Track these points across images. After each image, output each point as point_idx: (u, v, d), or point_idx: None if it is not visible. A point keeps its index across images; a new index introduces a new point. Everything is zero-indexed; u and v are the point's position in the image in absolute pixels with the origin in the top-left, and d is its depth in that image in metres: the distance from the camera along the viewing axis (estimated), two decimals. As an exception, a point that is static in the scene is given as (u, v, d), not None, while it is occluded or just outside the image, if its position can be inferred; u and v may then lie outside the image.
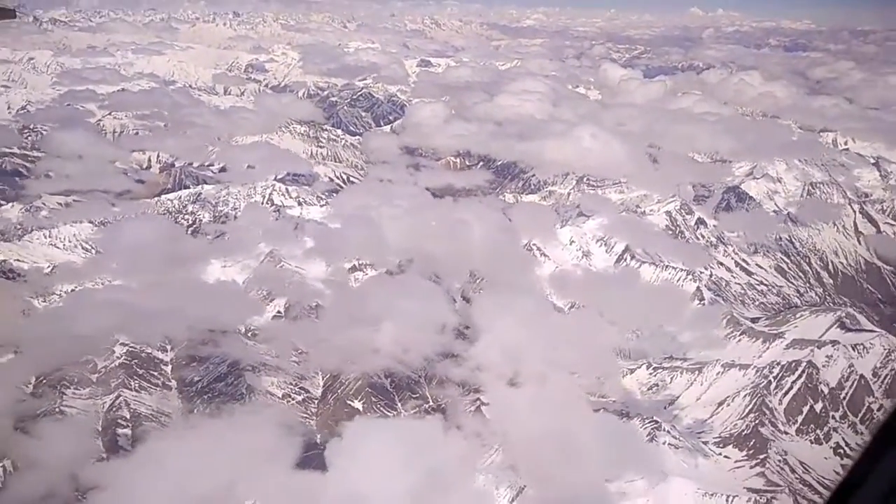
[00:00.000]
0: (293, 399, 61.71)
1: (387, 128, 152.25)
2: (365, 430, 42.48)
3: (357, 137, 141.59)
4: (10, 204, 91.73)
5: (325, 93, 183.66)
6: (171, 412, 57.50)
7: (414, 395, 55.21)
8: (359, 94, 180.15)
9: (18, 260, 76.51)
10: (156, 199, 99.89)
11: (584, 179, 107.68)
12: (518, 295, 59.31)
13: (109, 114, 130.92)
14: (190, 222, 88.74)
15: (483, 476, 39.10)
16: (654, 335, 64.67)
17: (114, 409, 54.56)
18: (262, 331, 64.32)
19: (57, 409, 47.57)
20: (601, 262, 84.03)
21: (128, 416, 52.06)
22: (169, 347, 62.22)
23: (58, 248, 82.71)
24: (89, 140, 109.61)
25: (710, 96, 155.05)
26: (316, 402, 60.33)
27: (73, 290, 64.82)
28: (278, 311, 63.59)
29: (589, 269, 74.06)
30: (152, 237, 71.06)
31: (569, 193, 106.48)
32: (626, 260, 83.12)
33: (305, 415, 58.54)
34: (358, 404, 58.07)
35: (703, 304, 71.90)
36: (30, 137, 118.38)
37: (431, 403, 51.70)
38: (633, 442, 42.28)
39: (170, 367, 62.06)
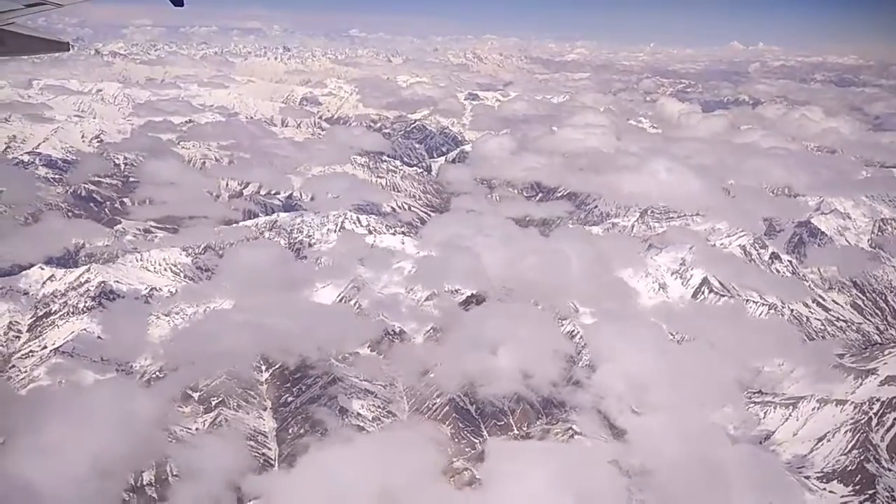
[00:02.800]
0: (382, 422, 63.61)
1: (440, 159, 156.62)
2: (507, 452, 43.71)
3: (414, 168, 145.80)
4: (113, 229, 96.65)
5: (378, 125, 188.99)
6: (266, 432, 59.64)
7: (544, 419, 55.62)
8: (412, 126, 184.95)
9: (117, 282, 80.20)
10: (235, 225, 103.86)
11: (649, 212, 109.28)
12: (631, 324, 60.44)
13: (191, 144, 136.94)
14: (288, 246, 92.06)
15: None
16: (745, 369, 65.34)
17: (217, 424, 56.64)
18: (362, 354, 66.48)
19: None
20: (677, 295, 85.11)
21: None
22: (263, 367, 64.56)
23: (149, 271, 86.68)
24: (178, 168, 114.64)
25: (773, 131, 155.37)
26: (402, 425, 61.86)
27: (195, 312, 68.01)
28: (389, 333, 65.51)
29: (693, 301, 74.81)
30: (262, 260, 74.00)
31: (632, 226, 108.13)
32: (703, 293, 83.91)
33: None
34: (446, 429, 59.33)
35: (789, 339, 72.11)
36: (120, 166, 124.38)
37: (562, 428, 52.54)
38: (774, 473, 42.76)
39: (266, 387, 64.51)
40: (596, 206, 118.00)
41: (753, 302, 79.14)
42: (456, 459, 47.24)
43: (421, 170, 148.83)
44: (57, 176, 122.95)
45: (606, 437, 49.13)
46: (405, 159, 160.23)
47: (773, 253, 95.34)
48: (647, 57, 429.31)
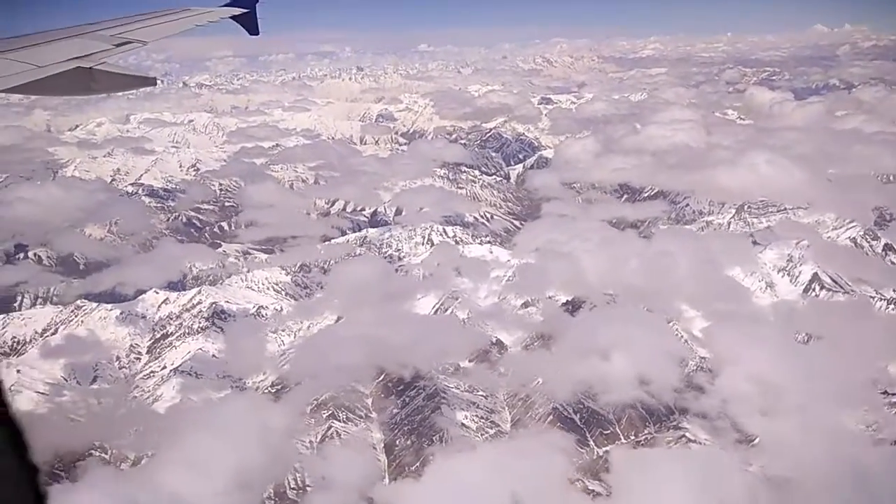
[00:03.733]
0: (486, 433, 63.32)
1: (518, 166, 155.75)
2: (634, 460, 42.65)
3: (493, 177, 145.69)
4: (220, 249, 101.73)
5: (454, 136, 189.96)
6: (374, 444, 60.45)
7: (652, 426, 54.42)
8: (488, 135, 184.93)
9: (227, 302, 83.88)
10: (327, 243, 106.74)
11: (746, 207, 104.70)
12: (749, 325, 58.02)
13: (282, 167, 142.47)
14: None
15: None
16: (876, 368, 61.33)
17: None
18: (465, 364, 66.64)
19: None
20: (786, 292, 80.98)
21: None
22: (369, 380, 65.46)
23: (253, 290, 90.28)
24: (274, 191, 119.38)
25: (875, 115, 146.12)
26: (506, 436, 61.48)
27: (307, 327, 70.52)
28: (492, 343, 65.54)
29: (804, 298, 71.15)
30: (364, 275, 75.79)
31: (728, 223, 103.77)
32: (814, 289, 79.50)
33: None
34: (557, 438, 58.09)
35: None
36: (218, 192, 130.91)
37: (674, 436, 51.03)
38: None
39: (371, 399, 65.56)
40: (688, 205, 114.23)
41: (870, 297, 74.79)
42: (577, 468, 46.44)
43: (500, 178, 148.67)
44: (159, 205, 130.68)
45: (724, 443, 47.23)
46: (483, 168, 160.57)
47: (886, 244, 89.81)
48: (727, 47, 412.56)
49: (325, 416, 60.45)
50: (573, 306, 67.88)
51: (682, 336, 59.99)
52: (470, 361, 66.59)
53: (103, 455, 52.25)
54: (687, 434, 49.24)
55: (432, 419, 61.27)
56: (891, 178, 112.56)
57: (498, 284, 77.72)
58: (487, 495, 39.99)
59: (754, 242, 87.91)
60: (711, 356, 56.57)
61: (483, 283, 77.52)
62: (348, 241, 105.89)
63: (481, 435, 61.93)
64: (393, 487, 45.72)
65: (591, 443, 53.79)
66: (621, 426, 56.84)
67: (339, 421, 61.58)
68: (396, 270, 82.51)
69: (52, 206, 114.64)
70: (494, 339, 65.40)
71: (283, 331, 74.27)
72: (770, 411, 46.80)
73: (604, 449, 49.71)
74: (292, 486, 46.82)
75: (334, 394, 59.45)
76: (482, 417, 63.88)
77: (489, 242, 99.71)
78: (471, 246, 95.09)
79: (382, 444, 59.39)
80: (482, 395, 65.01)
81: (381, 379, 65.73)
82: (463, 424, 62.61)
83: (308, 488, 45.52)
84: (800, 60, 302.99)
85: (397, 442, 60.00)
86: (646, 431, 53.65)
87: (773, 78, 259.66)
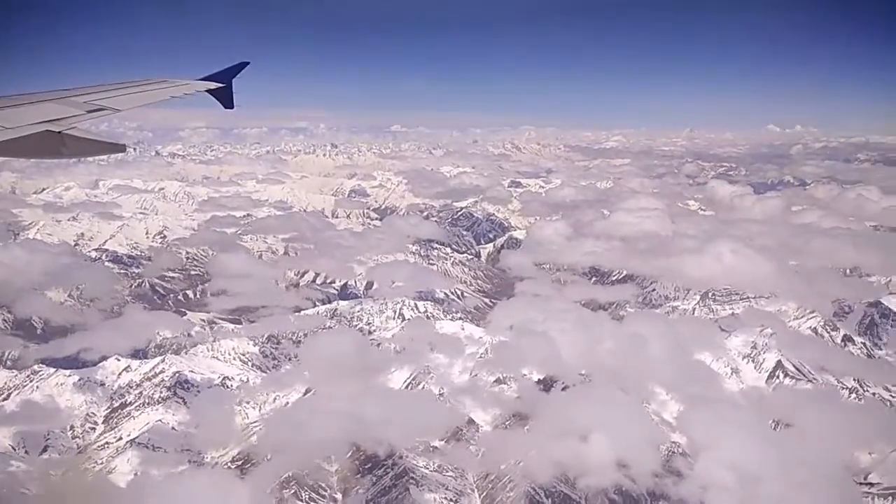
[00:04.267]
0: None
1: (489, 245, 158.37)
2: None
3: (464, 255, 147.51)
4: (186, 317, 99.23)
5: (425, 213, 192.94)
6: None
7: None
8: (459, 213, 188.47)
9: (191, 371, 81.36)
10: (298, 314, 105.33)
11: (710, 295, 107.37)
12: (723, 410, 58.40)
13: (253, 237, 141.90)
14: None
15: None
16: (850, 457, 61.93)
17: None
18: (437, 441, 65.04)
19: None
20: (751, 379, 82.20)
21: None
22: (333, 457, 62.70)
23: (219, 360, 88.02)
24: (245, 261, 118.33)
25: (830, 211, 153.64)
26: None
27: (275, 399, 68.44)
28: (466, 421, 64.40)
29: (782, 385, 72.31)
30: (339, 347, 74.61)
31: (693, 309, 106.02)
32: (778, 377, 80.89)
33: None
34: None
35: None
36: (187, 260, 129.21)
37: None
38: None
39: (337, 477, 63.05)
40: (654, 290, 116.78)
41: (832, 385, 76.30)
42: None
43: (471, 256, 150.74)
44: (123, 271, 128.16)
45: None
46: (454, 246, 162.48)
47: (845, 335, 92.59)
48: (686, 142, 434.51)
49: (288, 494, 58.17)
50: (548, 385, 67.67)
51: (657, 419, 59.95)
52: (442, 440, 64.90)
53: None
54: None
55: (400, 501, 59.35)
56: (848, 271, 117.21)
57: (472, 361, 77.11)
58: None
59: (721, 329, 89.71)
60: (687, 441, 56.46)
61: (457, 359, 76.92)
62: (318, 312, 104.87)
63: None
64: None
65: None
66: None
67: (302, 501, 59.30)
68: (370, 344, 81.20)
69: (15, 267, 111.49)
70: (468, 417, 64.33)
71: (249, 403, 71.91)
72: (752, 499, 46.47)
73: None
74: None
75: (300, 470, 57.38)
76: (451, 500, 62.10)
77: (461, 319, 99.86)
78: (443, 322, 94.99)
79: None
80: (451, 476, 63.06)
81: (349, 455, 63.36)
82: None
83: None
84: (755, 157, 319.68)
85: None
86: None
87: (731, 173, 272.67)
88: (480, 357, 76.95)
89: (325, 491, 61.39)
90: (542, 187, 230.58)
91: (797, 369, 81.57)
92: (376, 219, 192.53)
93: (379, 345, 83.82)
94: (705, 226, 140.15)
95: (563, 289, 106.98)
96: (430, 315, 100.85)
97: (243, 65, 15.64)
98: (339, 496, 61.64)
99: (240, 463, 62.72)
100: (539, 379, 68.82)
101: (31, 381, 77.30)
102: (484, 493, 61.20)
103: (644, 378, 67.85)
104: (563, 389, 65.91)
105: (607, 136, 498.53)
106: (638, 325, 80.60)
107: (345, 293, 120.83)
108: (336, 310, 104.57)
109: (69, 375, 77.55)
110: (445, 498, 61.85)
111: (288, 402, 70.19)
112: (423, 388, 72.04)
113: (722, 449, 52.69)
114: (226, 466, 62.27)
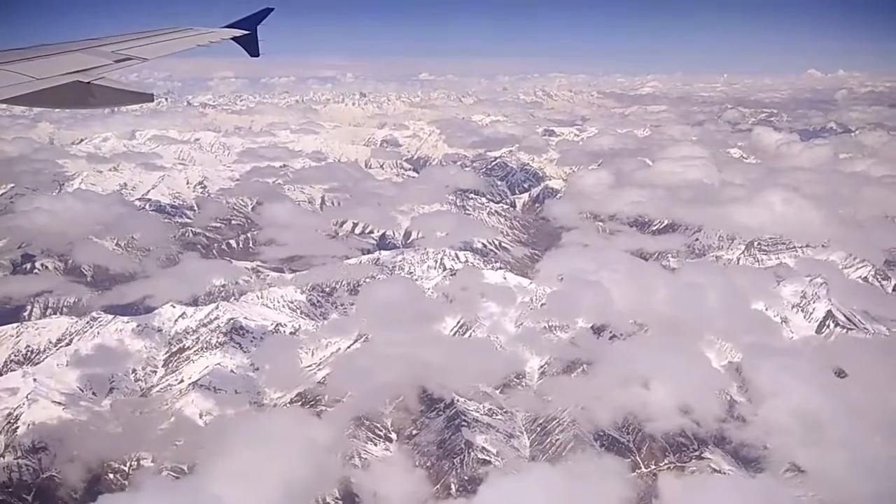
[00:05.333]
0: (507, 456, 62.78)
1: (524, 196, 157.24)
2: (687, 486, 42.56)
3: (500, 205, 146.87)
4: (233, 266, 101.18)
5: (458, 163, 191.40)
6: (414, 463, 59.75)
7: (671, 456, 54.03)
8: (493, 163, 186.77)
9: (245, 318, 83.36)
10: (341, 262, 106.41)
11: (755, 244, 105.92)
12: (784, 358, 58.47)
13: (296, 187, 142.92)
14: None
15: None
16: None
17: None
18: (490, 388, 66.18)
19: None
20: (802, 328, 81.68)
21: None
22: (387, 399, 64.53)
23: (269, 307, 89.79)
24: (293, 211, 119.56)
25: (880, 158, 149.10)
26: (526, 461, 60.72)
27: (330, 346, 70.29)
28: (535, 368, 65.47)
29: (833, 333, 71.80)
30: (393, 296, 75.74)
31: (738, 259, 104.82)
32: (828, 326, 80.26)
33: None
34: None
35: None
36: (234, 210, 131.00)
37: (698, 465, 50.79)
38: None
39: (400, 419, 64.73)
40: (697, 240, 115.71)
41: (884, 335, 75.57)
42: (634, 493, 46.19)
43: (507, 206, 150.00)
44: (167, 220, 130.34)
45: (774, 473, 47.31)
46: (489, 196, 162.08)
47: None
48: (724, 87, 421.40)
49: (359, 434, 60.22)
50: (601, 333, 68.09)
51: (717, 367, 60.29)
52: (498, 387, 66.32)
53: (148, 465, 51.57)
54: (712, 465, 49.30)
55: (452, 442, 61.00)
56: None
57: (524, 309, 77.86)
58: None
59: (776, 278, 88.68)
60: (749, 388, 56.80)
61: (509, 307, 77.62)
62: (360, 262, 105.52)
63: (500, 459, 61.74)
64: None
65: (642, 466, 53.36)
66: (641, 455, 56.58)
67: (360, 440, 61.34)
68: (423, 292, 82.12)
69: (68, 217, 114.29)
70: (524, 363, 65.39)
71: (306, 348, 73.91)
72: (819, 444, 46.94)
73: (660, 475, 49.43)
74: (347, 499, 46.26)
75: (365, 412, 58.92)
76: (501, 441, 63.57)
77: (500, 269, 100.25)
78: (486, 272, 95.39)
79: (425, 464, 58.84)
80: (500, 419, 64.82)
81: (403, 399, 65.18)
82: (483, 448, 62.35)
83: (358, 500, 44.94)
84: (798, 103, 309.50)
85: (438, 463, 59.42)
86: (665, 461, 53.40)
87: (772, 119, 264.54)
88: (532, 306, 77.59)
89: (381, 431, 63.31)
90: (578, 136, 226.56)
91: (848, 319, 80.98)
92: (410, 169, 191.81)
93: (428, 293, 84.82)
94: (752, 174, 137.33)
95: (611, 238, 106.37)
96: (471, 265, 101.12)
97: (267, 11, 15.40)
98: (393, 436, 63.74)
99: (299, 404, 64.92)
100: (593, 327, 69.20)
101: (90, 328, 79.96)
102: (533, 436, 62.84)
103: (700, 327, 67.85)
104: (615, 338, 66.35)
105: (641, 81, 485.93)
106: (691, 275, 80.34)
107: (384, 243, 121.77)
108: (378, 259, 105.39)
109: (128, 322, 79.89)
110: (495, 439, 63.77)
111: (340, 349, 71.84)
112: (477, 335, 73.18)
113: (784, 395, 52.97)
114: (285, 406, 64.58)
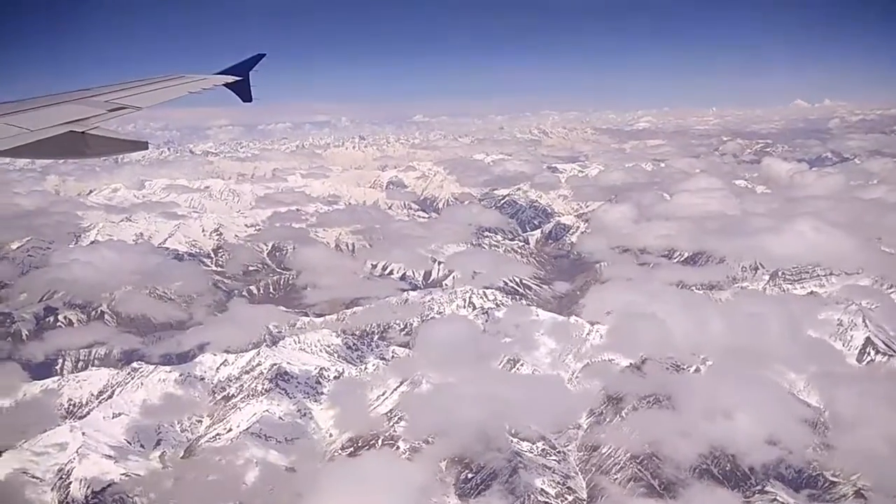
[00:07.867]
0: (565, 498, 62.57)
1: (536, 232, 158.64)
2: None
3: (514, 242, 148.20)
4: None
5: (466, 203, 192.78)
6: None
7: (728, 489, 54.02)
8: (503, 201, 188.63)
9: (288, 363, 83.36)
10: (369, 306, 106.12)
11: (780, 274, 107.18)
12: (859, 385, 59.26)
13: (323, 230, 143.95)
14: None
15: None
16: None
17: None
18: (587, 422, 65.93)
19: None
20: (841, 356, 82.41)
21: None
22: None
23: (306, 352, 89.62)
24: (327, 253, 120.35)
25: (894, 186, 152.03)
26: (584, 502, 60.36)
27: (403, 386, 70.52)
28: (606, 402, 65.77)
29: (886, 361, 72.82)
30: (455, 335, 76.25)
31: (764, 289, 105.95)
32: (869, 353, 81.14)
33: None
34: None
35: None
36: (269, 255, 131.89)
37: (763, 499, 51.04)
38: None
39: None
40: (731, 269, 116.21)
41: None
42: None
43: (522, 243, 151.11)
44: (206, 268, 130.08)
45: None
46: (502, 234, 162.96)
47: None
48: (718, 120, 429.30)
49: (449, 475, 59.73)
50: (671, 367, 68.62)
51: (794, 395, 60.91)
52: (574, 425, 66.25)
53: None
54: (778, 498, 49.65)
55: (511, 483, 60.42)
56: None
57: (582, 345, 78.54)
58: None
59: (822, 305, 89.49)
60: (830, 414, 57.37)
61: (567, 343, 78.28)
62: (391, 303, 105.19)
63: (560, 501, 61.32)
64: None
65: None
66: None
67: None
68: (479, 330, 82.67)
69: (103, 268, 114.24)
70: (602, 399, 65.75)
71: (373, 389, 73.98)
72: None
73: None
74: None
75: (455, 454, 58.84)
76: (559, 483, 63.26)
77: (529, 306, 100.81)
78: (534, 308, 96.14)
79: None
80: (555, 460, 64.59)
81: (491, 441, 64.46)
82: (542, 490, 62.01)
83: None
84: (794, 133, 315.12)
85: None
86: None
87: (769, 150, 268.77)
88: (589, 342, 78.28)
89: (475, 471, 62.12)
90: (581, 171, 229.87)
91: (887, 345, 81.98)
92: (418, 210, 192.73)
93: (483, 331, 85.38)
94: (771, 204, 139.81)
95: (651, 272, 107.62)
96: (498, 302, 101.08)
97: (259, 57, 15.66)
98: (450, 480, 63.00)
99: (351, 449, 63.91)
100: (665, 361, 69.47)
101: (132, 378, 79.41)
102: (588, 476, 62.75)
103: (763, 356, 68.57)
104: (681, 370, 66.90)
105: (634, 117, 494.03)
106: (741, 304, 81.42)
107: (424, 282, 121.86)
108: (407, 300, 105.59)
109: (170, 372, 79.71)
110: (553, 480, 63.58)
111: (405, 390, 71.57)
112: (541, 372, 73.59)
113: (867, 421, 53.52)
114: (337, 454, 63.92)
